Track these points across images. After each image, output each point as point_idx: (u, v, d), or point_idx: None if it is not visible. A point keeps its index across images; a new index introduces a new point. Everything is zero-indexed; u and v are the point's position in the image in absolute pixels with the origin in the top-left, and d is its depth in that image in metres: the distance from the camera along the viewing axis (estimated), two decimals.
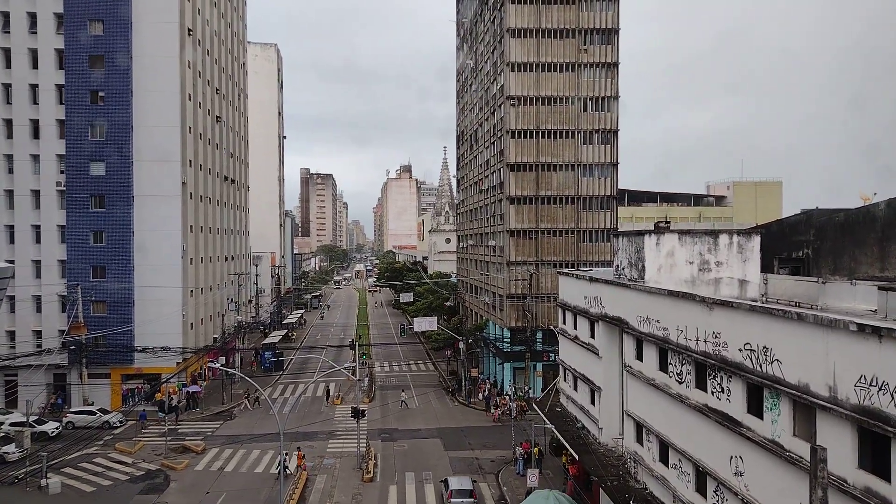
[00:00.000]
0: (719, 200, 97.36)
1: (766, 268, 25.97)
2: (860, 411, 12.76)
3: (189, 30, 54.54)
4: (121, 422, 46.77)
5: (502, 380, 53.60)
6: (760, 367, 16.10)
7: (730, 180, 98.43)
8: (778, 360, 15.42)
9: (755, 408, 16.72)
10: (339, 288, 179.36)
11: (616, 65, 51.82)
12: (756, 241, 24.09)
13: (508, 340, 51.97)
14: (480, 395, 51.69)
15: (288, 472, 34.78)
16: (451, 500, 30.57)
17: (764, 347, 15.97)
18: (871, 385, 12.49)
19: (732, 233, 24.33)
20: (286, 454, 35.51)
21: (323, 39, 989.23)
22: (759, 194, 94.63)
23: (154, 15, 51.29)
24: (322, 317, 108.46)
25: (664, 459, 22.40)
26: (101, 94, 50.72)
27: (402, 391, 54.55)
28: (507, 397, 47.75)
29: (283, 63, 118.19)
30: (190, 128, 54.63)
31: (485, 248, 60.86)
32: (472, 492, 31.13)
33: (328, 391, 55.09)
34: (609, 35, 51.75)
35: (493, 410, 47.89)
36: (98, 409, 46.79)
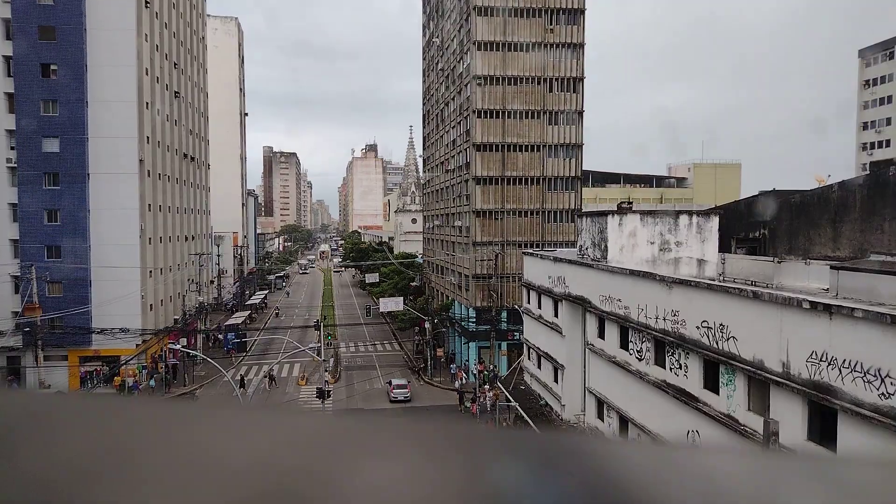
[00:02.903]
0: (680, 182, 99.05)
1: (724, 247, 26.60)
2: (811, 386, 13.26)
3: (146, 1, 52.68)
4: None
5: (467, 359, 54.02)
6: (717, 343, 16.56)
7: (690, 162, 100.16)
8: (734, 337, 15.88)
9: (711, 383, 17.23)
10: (305, 272, 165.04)
11: (582, 45, 51.94)
12: (714, 221, 24.64)
13: (474, 320, 52.31)
14: (457, 384, 50.01)
15: None
16: (393, 391, 43.92)
17: (721, 325, 16.42)
18: (821, 360, 12.97)
19: (692, 213, 24.85)
20: None
21: (287, 15, 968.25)
22: (718, 176, 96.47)
23: None
24: (277, 313, 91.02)
25: (624, 434, 22.97)
26: (53, 67, 48.70)
27: (304, 375, 52.52)
28: (485, 388, 46.27)
29: (245, 38, 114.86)
30: (147, 103, 52.97)
31: (451, 228, 60.88)
32: (407, 385, 44.91)
33: (243, 380, 49.85)
34: (575, 15, 51.76)
35: (470, 405, 44.83)
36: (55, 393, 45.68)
